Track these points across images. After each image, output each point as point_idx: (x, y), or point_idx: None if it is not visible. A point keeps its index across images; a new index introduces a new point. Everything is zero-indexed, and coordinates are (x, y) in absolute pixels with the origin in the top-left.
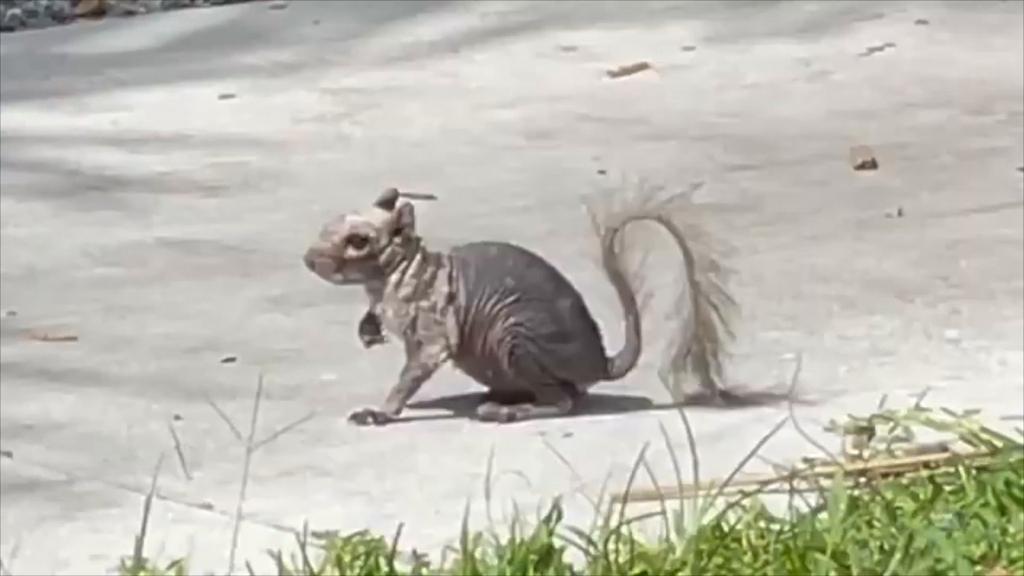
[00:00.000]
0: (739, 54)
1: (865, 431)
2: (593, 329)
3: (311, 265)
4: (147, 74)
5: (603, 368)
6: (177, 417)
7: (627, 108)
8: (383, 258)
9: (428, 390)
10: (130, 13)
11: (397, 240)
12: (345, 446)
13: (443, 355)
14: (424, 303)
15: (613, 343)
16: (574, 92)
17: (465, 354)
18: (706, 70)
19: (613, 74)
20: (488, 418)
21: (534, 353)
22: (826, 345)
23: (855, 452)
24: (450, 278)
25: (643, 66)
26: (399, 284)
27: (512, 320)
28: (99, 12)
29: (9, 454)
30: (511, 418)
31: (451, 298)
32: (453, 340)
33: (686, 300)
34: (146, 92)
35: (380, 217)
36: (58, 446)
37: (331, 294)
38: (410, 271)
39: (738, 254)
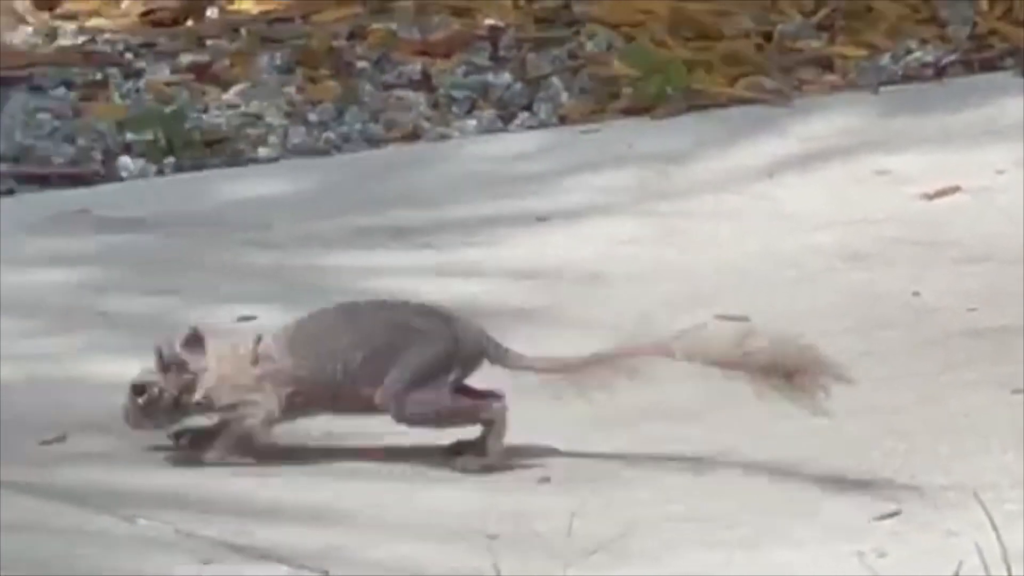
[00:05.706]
0: None
1: None
2: None
3: None
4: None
5: None
6: None
7: (940, 231)
8: None
9: None
10: (444, 137)
11: None
12: None
13: None
14: None
15: None
16: (888, 215)
17: None
18: (1018, 193)
19: (927, 197)
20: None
21: None
22: None
23: None
24: None
25: (955, 189)
26: None
27: None
28: (413, 136)
29: None
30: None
31: None
32: None
33: None
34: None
35: None
36: None
37: None
38: None
39: None
